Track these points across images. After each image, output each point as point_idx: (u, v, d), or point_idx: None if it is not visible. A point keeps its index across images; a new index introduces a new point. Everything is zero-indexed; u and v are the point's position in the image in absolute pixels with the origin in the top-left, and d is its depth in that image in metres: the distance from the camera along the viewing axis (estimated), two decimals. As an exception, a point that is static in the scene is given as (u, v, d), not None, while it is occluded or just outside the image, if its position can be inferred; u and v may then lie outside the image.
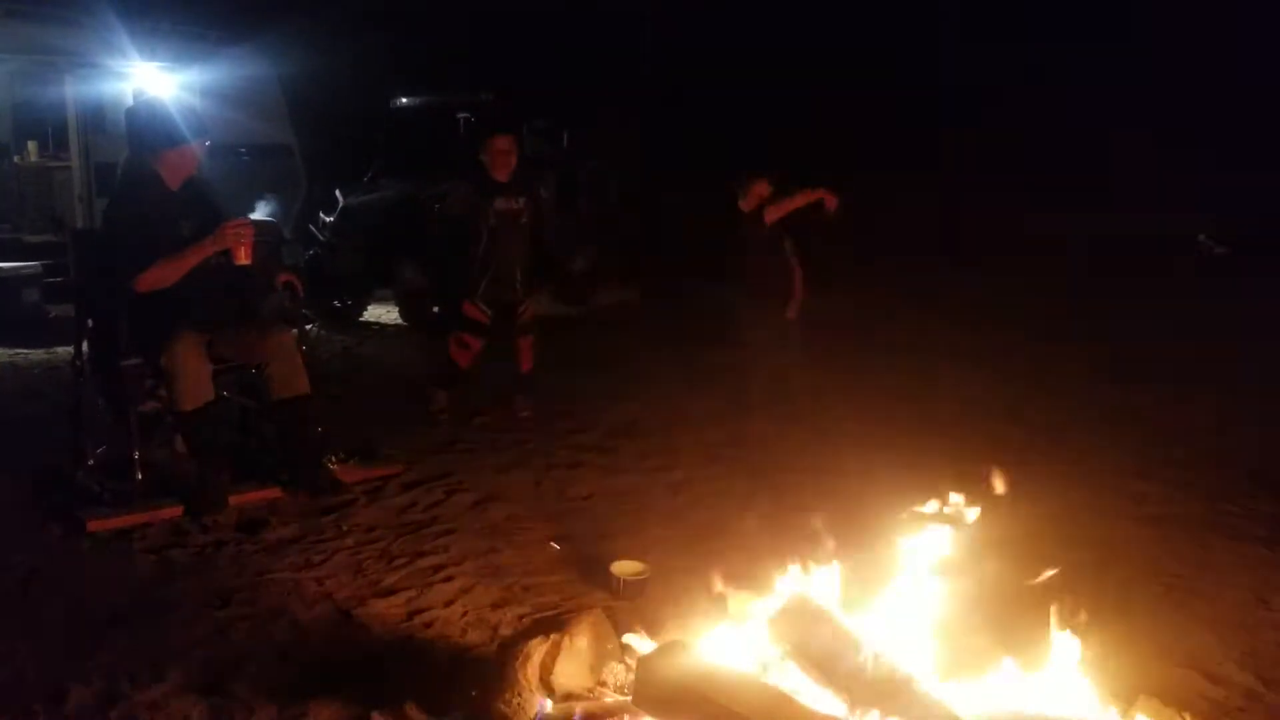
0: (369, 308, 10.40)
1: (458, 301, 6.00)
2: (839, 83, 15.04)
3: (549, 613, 3.36)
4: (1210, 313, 9.79)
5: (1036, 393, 6.69)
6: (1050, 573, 2.54)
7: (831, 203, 5.84)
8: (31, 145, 10.48)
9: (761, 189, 5.95)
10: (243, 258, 4.30)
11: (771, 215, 5.89)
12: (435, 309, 9.61)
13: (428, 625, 3.30)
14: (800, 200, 5.89)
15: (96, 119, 9.81)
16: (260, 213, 9.77)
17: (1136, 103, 14.41)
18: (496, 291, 5.93)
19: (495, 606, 3.43)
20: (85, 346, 4.57)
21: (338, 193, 10.43)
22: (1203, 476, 4.90)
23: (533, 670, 2.71)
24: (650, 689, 2.42)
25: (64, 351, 7.01)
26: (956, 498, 2.83)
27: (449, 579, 3.66)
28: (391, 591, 3.56)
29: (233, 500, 4.35)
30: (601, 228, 10.56)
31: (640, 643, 2.82)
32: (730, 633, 2.70)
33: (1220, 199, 12.52)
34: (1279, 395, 6.57)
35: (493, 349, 6.05)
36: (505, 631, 3.24)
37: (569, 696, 2.65)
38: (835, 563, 2.73)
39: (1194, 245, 12.42)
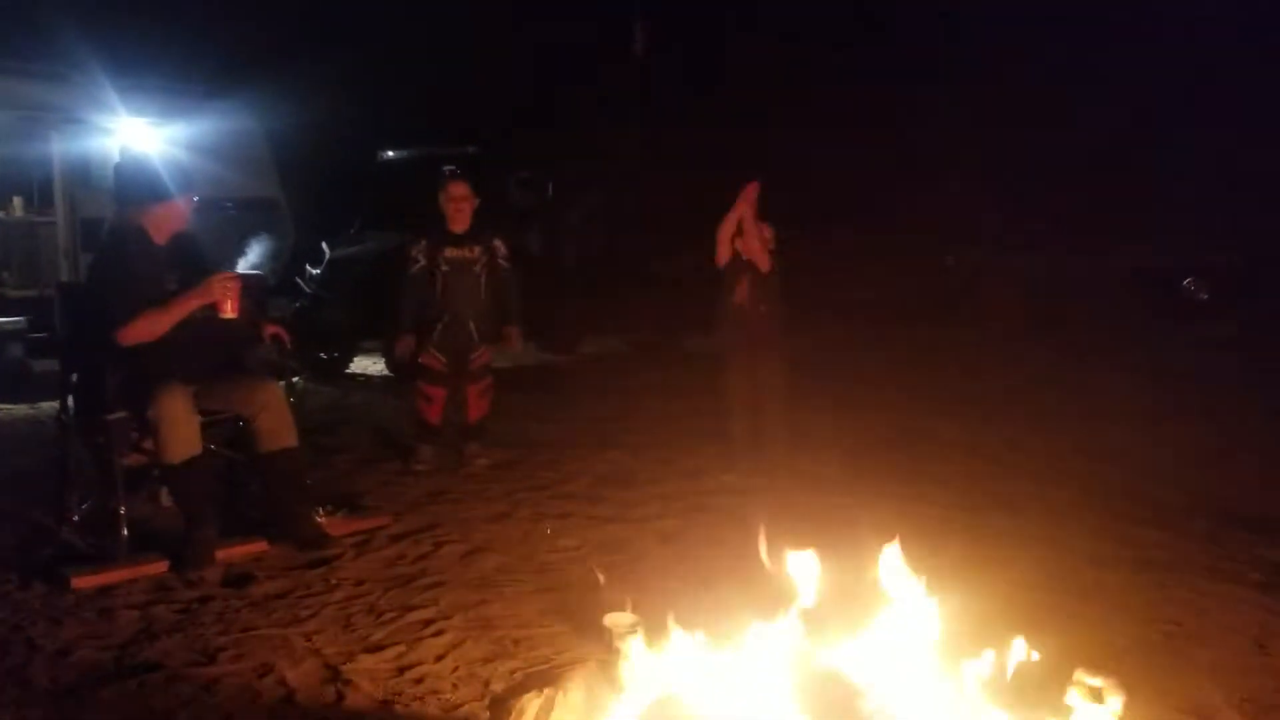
0: (356, 359, 10.38)
1: (415, 353, 5.98)
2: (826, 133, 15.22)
3: (541, 667, 3.31)
4: (1195, 355, 9.86)
5: (1026, 436, 6.69)
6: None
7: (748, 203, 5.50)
8: (17, 201, 10.47)
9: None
10: (229, 311, 4.29)
11: (719, 256, 5.67)
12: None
13: (418, 681, 3.24)
14: (728, 225, 5.56)
15: (82, 174, 9.81)
16: (246, 265, 9.79)
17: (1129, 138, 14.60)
18: (448, 338, 5.93)
19: (486, 661, 3.38)
20: (70, 400, 4.54)
21: (324, 245, 10.45)
22: (1195, 521, 4.89)
23: (526, 726, 2.67)
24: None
25: (48, 407, 6.95)
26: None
27: (439, 633, 3.61)
28: (381, 647, 3.50)
29: (219, 554, 4.30)
30: (588, 278, 10.59)
31: (634, 695, 2.78)
32: (725, 686, 2.66)
33: (1209, 238, 12.69)
34: (1267, 437, 6.60)
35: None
36: (497, 687, 3.18)
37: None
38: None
39: (1179, 288, 12.54)
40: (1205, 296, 12.34)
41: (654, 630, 3.38)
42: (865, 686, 2.44)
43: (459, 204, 5.90)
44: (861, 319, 11.56)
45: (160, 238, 4.45)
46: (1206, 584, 4.06)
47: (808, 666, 2.49)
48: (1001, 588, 3.81)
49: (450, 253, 5.90)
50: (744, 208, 5.51)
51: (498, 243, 6.03)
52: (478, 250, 5.94)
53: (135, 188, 4.45)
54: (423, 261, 5.93)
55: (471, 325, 5.96)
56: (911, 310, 12.20)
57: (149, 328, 4.20)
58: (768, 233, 5.68)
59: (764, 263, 5.58)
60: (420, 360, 5.98)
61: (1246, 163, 13.54)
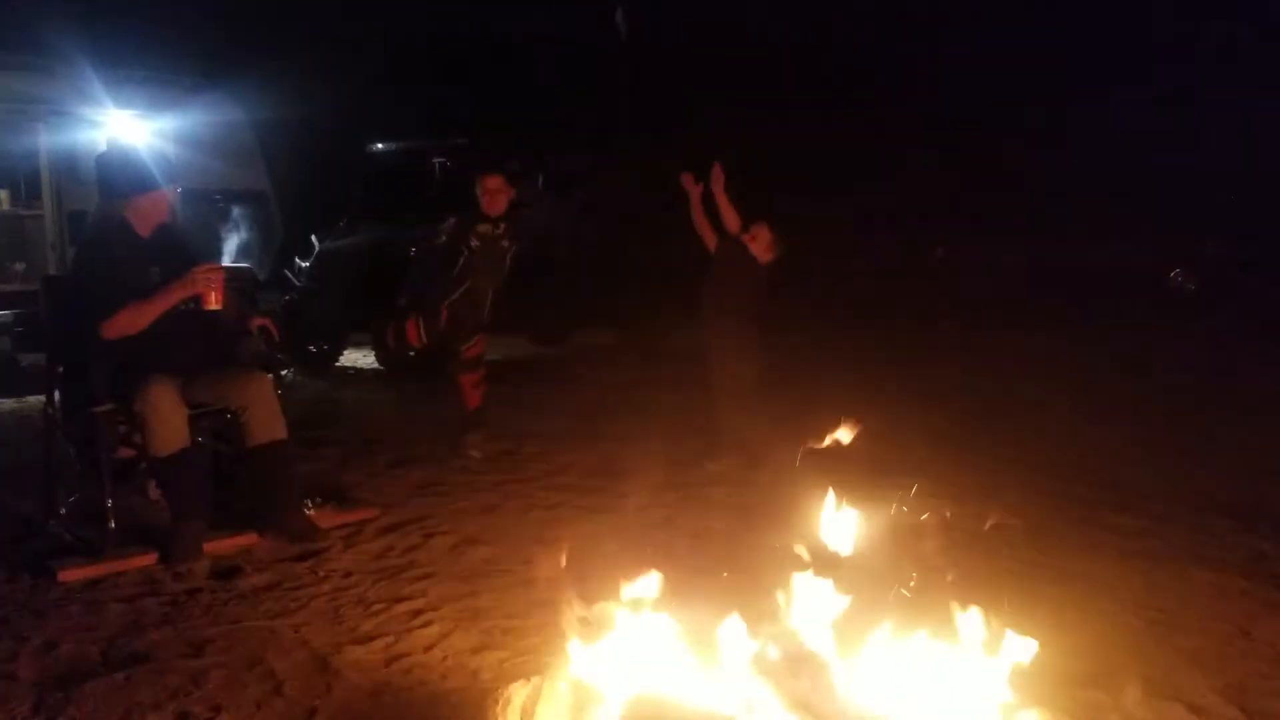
0: (345, 352, 10.36)
1: (406, 314, 5.97)
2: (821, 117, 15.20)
3: (529, 656, 3.32)
4: (1178, 346, 9.91)
5: (1013, 426, 6.71)
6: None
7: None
8: (3, 194, 10.41)
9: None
10: (213, 303, 4.28)
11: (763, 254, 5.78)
12: (412, 354, 9.59)
13: (407, 671, 3.25)
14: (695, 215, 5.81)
15: (69, 167, 9.76)
16: (234, 258, 9.77)
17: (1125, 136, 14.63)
18: (465, 307, 5.96)
19: (475, 651, 3.38)
20: (56, 394, 4.52)
21: (314, 238, 10.43)
22: (1180, 509, 4.91)
23: (514, 715, 2.67)
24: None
25: (35, 400, 6.93)
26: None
27: (428, 624, 3.61)
28: (369, 638, 3.50)
29: (207, 547, 4.29)
30: (578, 270, 10.58)
31: (619, 686, 2.78)
32: (712, 674, 2.66)
33: (1195, 230, 12.77)
34: (1251, 427, 6.63)
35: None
36: (485, 676, 3.19)
37: (551, 741, 2.60)
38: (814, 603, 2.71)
39: (1167, 281, 12.62)
40: (1191, 288, 12.42)
41: (640, 621, 3.40)
42: (847, 677, 2.45)
43: (493, 196, 5.95)
44: (852, 311, 11.58)
45: (144, 229, 4.43)
46: (1190, 571, 4.08)
47: (790, 657, 2.49)
48: (985, 576, 3.82)
49: (482, 228, 5.96)
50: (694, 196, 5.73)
51: (507, 244, 6.10)
52: (503, 227, 6.02)
53: (118, 179, 4.43)
54: (444, 238, 5.95)
55: (489, 298, 6.04)
56: (901, 302, 12.23)
57: (132, 320, 4.19)
58: (764, 232, 5.73)
59: (710, 241, 5.77)
60: (408, 324, 5.97)
61: (1232, 155, 13.60)
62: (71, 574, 4.03)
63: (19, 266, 9.75)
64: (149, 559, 4.18)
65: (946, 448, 6.18)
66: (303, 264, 10.29)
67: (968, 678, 2.53)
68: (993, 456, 5.99)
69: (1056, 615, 3.48)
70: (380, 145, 11.27)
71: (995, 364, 9.29)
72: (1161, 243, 12.82)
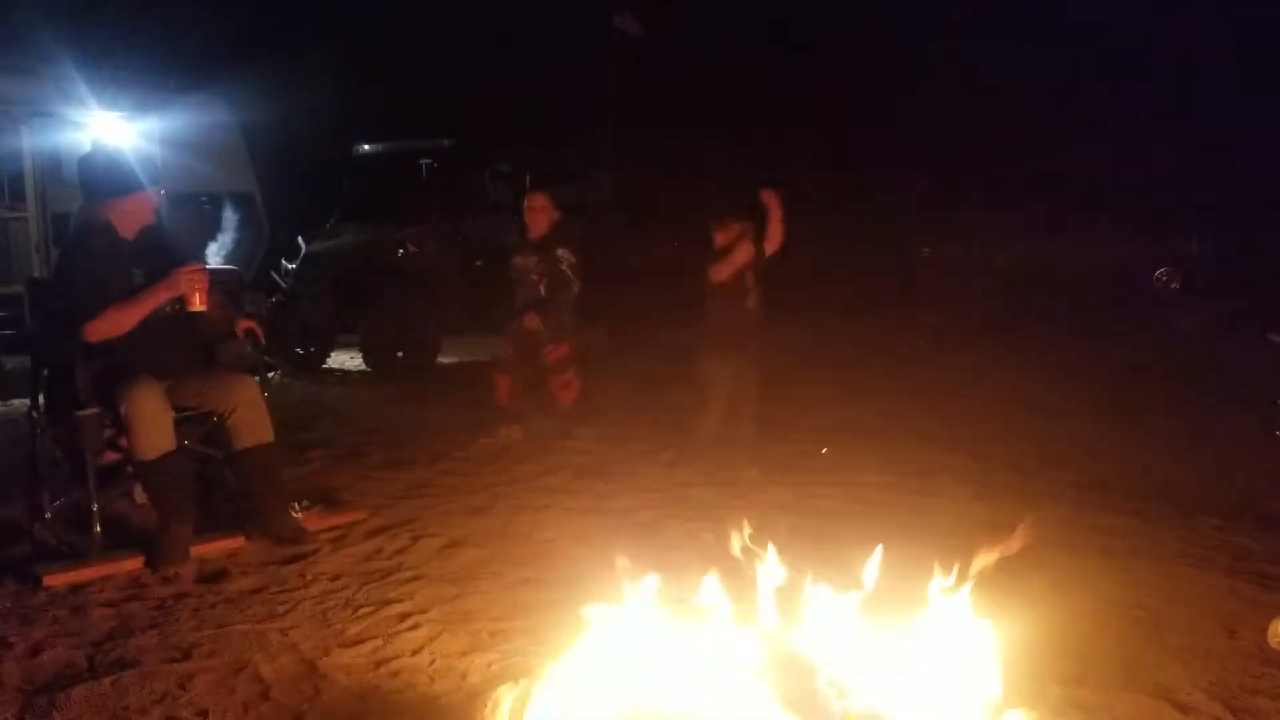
0: (332, 354, 10.34)
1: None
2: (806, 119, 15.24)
3: (518, 659, 3.31)
4: (1165, 346, 9.95)
5: (1000, 426, 6.73)
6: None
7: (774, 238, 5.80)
8: (-13, 196, 10.37)
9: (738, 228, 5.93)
10: (197, 304, 4.26)
11: (720, 273, 5.83)
12: (399, 354, 9.59)
13: (395, 675, 3.24)
14: (742, 255, 5.81)
15: (54, 168, 9.73)
16: (221, 260, 9.74)
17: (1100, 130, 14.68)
18: (519, 334, 6.33)
19: (463, 654, 3.38)
20: (41, 397, 4.50)
21: (300, 239, 10.40)
22: (1165, 507, 4.93)
23: (502, 718, 2.67)
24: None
25: (20, 403, 6.90)
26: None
27: (416, 627, 3.61)
28: (357, 641, 3.49)
29: (194, 551, 4.27)
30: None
31: (610, 688, 2.78)
32: (703, 676, 2.66)
33: (1180, 229, 12.82)
34: (1236, 426, 6.66)
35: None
36: (474, 679, 3.19)
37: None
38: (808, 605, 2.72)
39: (1152, 280, 12.67)
40: (1176, 287, 12.48)
41: (630, 623, 3.39)
42: (839, 677, 2.45)
43: (534, 214, 6.28)
44: (838, 309, 11.59)
45: (127, 232, 4.40)
46: (1176, 569, 4.10)
47: (782, 658, 2.50)
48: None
49: (517, 260, 6.30)
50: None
51: (561, 251, 6.31)
52: (534, 260, 6.23)
53: (100, 181, 4.41)
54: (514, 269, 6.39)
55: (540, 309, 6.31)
56: (886, 300, 12.25)
57: (115, 323, 4.17)
58: (741, 226, 5.83)
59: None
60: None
61: (1217, 153, 13.66)
62: (57, 578, 4.00)
63: None
64: (135, 563, 4.16)
65: (931, 447, 6.20)
66: (289, 266, 10.26)
67: (954, 677, 2.53)
68: (978, 455, 6.00)
69: (1042, 613, 3.51)
70: (366, 146, 11.25)
71: (981, 363, 9.31)
72: (1148, 243, 12.88)
